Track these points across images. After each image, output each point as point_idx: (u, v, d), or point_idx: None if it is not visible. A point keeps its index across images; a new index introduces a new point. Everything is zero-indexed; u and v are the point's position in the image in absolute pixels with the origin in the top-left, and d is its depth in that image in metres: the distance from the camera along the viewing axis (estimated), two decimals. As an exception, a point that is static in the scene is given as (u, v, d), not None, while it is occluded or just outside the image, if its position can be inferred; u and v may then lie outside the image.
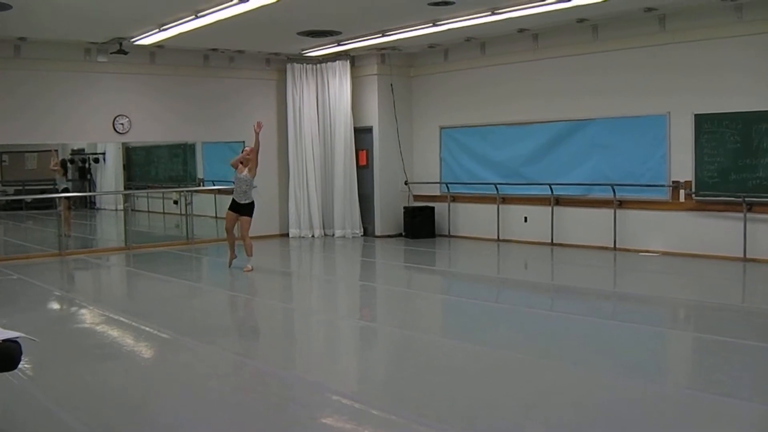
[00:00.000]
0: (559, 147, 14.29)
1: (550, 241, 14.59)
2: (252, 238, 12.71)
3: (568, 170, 14.20)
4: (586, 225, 14.09)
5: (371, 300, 10.58)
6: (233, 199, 12.39)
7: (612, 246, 13.69)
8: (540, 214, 14.76)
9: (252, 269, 12.21)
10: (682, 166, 12.70)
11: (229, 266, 12.57)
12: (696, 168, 12.51)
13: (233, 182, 12.46)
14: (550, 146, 14.44)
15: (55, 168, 16.87)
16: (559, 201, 14.46)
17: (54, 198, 15.97)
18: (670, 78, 12.79)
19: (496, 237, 15.51)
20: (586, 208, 14.07)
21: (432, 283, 12.01)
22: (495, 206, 15.51)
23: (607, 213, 13.74)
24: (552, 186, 14.39)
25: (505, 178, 15.20)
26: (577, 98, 14.03)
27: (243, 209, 12.33)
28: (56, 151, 17.68)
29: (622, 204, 13.58)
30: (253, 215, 12.51)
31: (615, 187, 13.48)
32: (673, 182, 12.85)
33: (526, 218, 15.07)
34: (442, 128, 16.47)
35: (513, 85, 15.07)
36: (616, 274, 12.04)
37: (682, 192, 12.78)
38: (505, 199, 15.36)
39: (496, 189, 15.37)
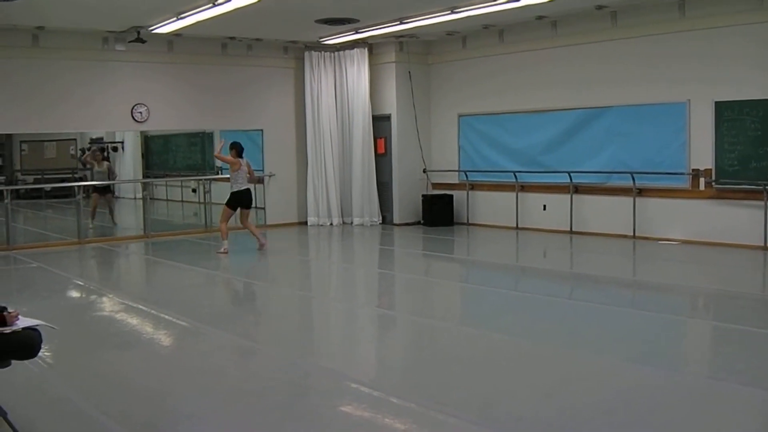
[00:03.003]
0: (578, 134, 14.20)
1: (569, 229, 14.50)
2: (270, 226, 12.86)
3: (587, 158, 14.10)
4: (605, 213, 14.00)
5: (389, 288, 10.56)
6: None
7: (631, 234, 13.59)
8: (559, 202, 14.68)
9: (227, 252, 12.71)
10: (702, 154, 12.57)
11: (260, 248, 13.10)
12: (716, 156, 12.39)
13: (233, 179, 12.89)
14: (569, 134, 14.36)
15: (94, 160, 17.03)
16: (578, 189, 14.38)
17: (73, 186, 16.06)
18: (690, 65, 12.66)
19: (514, 225, 15.45)
20: (606, 196, 13.97)
21: (450, 271, 11.98)
22: (514, 194, 15.45)
23: (626, 201, 13.64)
24: (571, 174, 14.29)
25: (524, 166, 15.13)
26: (596, 85, 13.91)
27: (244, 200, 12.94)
28: (95, 148, 18.02)
29: (641, 192, 13.47)
30: (250, 206, 13.23)
31: (634, 175, 13.38)
32: (693, 170, 12.72)
33: (544, 206, 15.01)
34: (460, 116, 16.42)
35: (531, 72, 14.98)
36: (635, 262, 11.95)
37: (702, 180, 12.66)
38: (524, 187, 15.31)
39: (515, 177, 15.31)
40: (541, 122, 14.83)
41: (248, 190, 12.90)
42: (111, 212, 17.42)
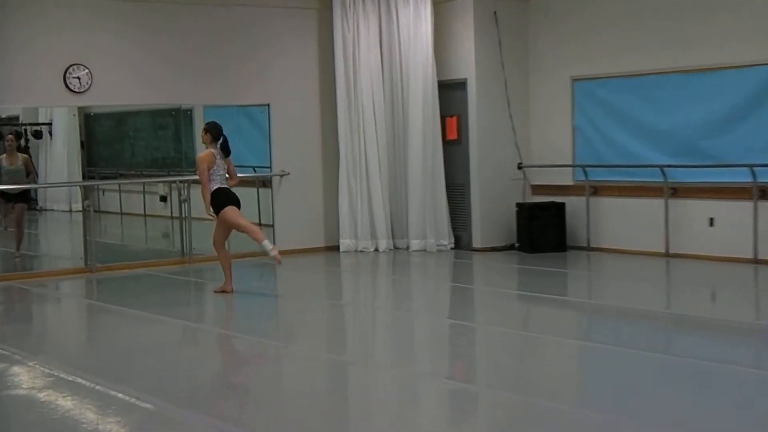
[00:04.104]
0: (766, 107, 14.07)
1: (752, 256, 14.41)
2: (283, 252, 12.88)
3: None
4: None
5: (467, 349, 10.51)
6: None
7: None
8: (734, 213, 14.61)
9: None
10: None
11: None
12: None
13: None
14: (751, 106, 14.21)
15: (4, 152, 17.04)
16: (766, 192, 14.24)
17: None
18: None
19: (663, 250, 15.25)
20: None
21: (562, 321, 11.88)
22: (661, 201, 15.25)
23: None
24: (754, 169, 14.22)
25: (677, 158, 14.96)
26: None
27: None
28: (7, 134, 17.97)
29: None
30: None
31: None
32: None
33: (712, 220, 14.84)
34: (575, 80, 16.31)
35: (690, 11, 14.83)
36: None
37: None
38: (677, 190, 15.12)
39: (663, 174, 15.11)
40: (704, 87, 14.73)
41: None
42: (18, 236, 17.20)
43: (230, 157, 12.96)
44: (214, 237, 13.03)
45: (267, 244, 12.69)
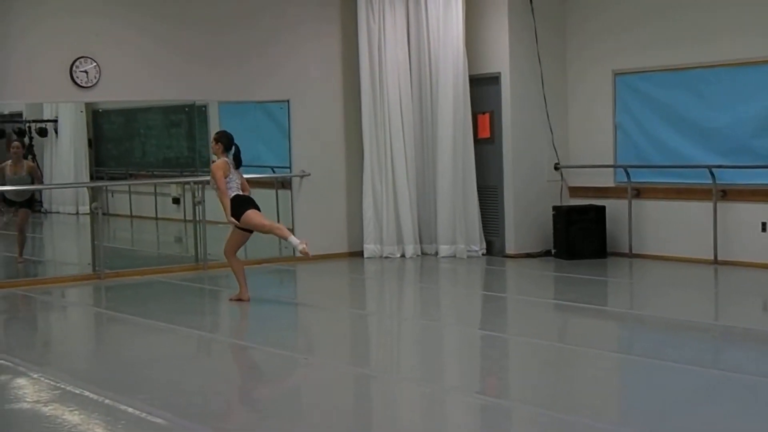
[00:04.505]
0: None
1: None
2: (304, 258, 12.99)
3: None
4: None
5: (499, 361, 10.49)
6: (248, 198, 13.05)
7: None
8: None
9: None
10: None
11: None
12: None
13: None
14: None
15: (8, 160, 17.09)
16: None
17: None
18: None
19: (711, 257, 15.23)
20: None
21: (601, 333, 11.90)
22: (710, 204, 15.22)
23: None
24: None
25: (727, 158, 14.94)
26: None
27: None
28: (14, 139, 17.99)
29: None
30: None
31: None
32: None
33: (764, 225, 14.80)
34: (617, 74, 16.30)
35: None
36: None
37: None
38: (727, 193, 15.10)
39: (712, 175, 15.07)
40: (758, 82, 14.71)
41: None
42: (20, 241, 17.22)
43: (240, 168, 13.09)
44: (226, 245, 13.14)
45: (293, 239, 12.78)
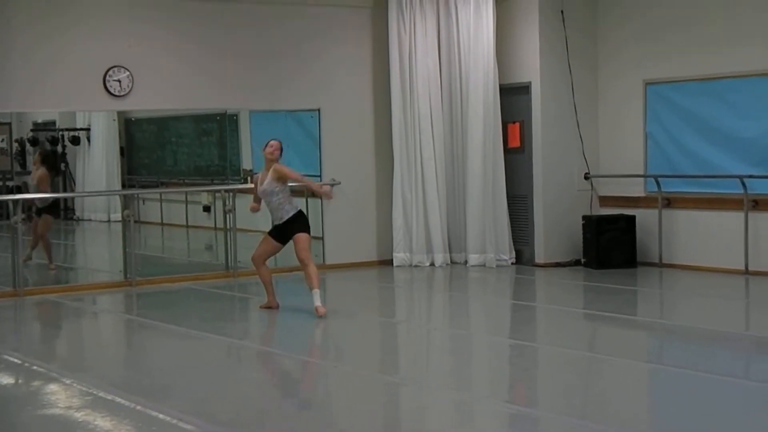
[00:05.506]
0: None
1: None
2: (332, 267, 12.79)
3: None
4: None
5: (529, 370, 10.46)
6: (273, 224, 13.02)
7: None
8: None
9: (324, 312, 12.49)
10: None
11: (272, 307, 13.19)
12: None
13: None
14: None
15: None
16: None
17: (7, 201, 16.05)
18: None
19: (742, 267, 15.15)
20: None
21: (631, 342, 11.84)
22: (741, 214, 15.16)
23: None
24: None
25: (758, 168, 14.90)
26: None
27: (293, 228, 12.78)
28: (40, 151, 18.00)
29: None
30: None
31: None
32: None
33: (795, 235, 14.74)
34: (648, 83, 16.24)
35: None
36: None
37: None
38: (759, 203, 15.03)
39: (743, 185, 15.00)
40: None
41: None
42: (46, 248, 17.15)
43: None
44: (255, 253, 13.09)
45: (317, 296, 12.58)
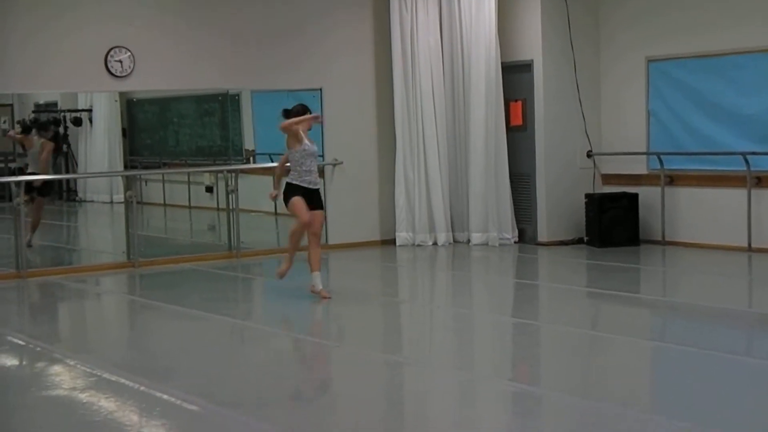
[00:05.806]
0: None
1: None
2: (334, 246, 12.76)
3: None
4: None
5: (531, 349, 10.51)
6: (300, 186, 12.30)
7: None
8: None
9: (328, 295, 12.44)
10: None
11: (281, 277, 12.71)
12: None
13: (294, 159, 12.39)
14: None
15: (17, 135, 17.05)
16: None
17: (8, 183, 16.01)
18: None
19: (745, 244, 15.16)
20: None
21: (634, 320, 11.82)
22: (744, 191, 15.14)
23: None
24: None
25: (761, 144, 14.86)
26: None
27: (315, 199, 12.49)
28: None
29: None
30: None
31: None
32: None
33: (799, 212, 14.72)
34: (650, 61, 16.21)
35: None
36: None
37: None
38: (762, 180, 15.01)
39: (746, 162, 14.99)
40: None
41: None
42: (33, 225, 16.97)
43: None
44: (304, 216, 12.27)
45: (317, 279, 12.47)
